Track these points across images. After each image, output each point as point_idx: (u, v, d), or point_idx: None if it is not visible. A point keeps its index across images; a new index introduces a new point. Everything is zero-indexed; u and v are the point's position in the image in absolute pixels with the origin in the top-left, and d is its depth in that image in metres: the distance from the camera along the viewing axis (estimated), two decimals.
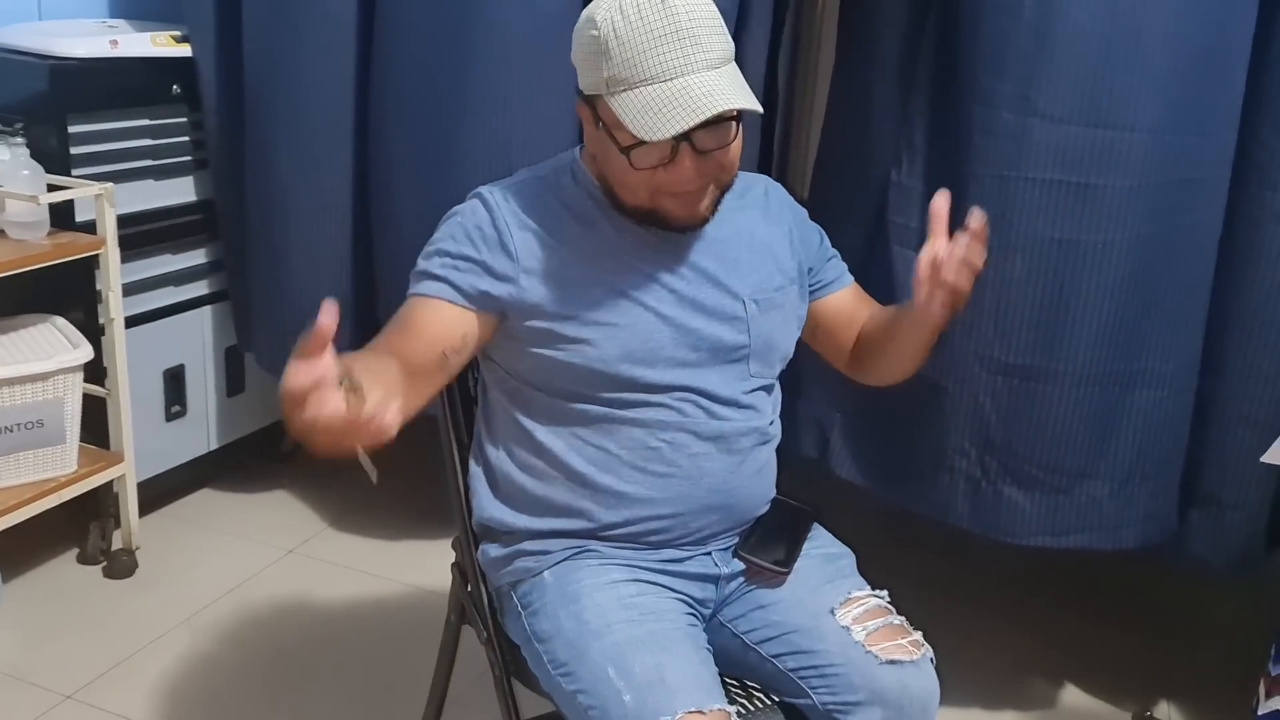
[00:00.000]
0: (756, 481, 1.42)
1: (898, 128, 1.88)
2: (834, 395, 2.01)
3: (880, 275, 1.89)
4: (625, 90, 1.22)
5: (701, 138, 1.24)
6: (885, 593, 1.42)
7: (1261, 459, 1.42)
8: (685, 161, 1.25)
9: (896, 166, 1.89)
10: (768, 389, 1.44)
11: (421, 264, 1.35)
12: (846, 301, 1.53)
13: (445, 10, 2.00)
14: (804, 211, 1.52)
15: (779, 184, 1.52)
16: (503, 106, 1.99)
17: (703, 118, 1.19)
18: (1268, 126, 1.74)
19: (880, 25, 1.89)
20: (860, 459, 2.00)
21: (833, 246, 1.54)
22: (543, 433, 1.36)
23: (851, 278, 1.55)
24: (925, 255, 1.32)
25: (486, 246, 1.31)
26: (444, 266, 1.32)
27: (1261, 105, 1.74)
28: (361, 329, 2.34)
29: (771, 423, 1.44)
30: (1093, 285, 1.76)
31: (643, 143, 1.22)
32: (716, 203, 1.33)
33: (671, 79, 1.21)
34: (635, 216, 1.33)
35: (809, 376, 1.99)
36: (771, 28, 2.01)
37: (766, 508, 1.45)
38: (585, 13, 1.27)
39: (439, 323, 1.31)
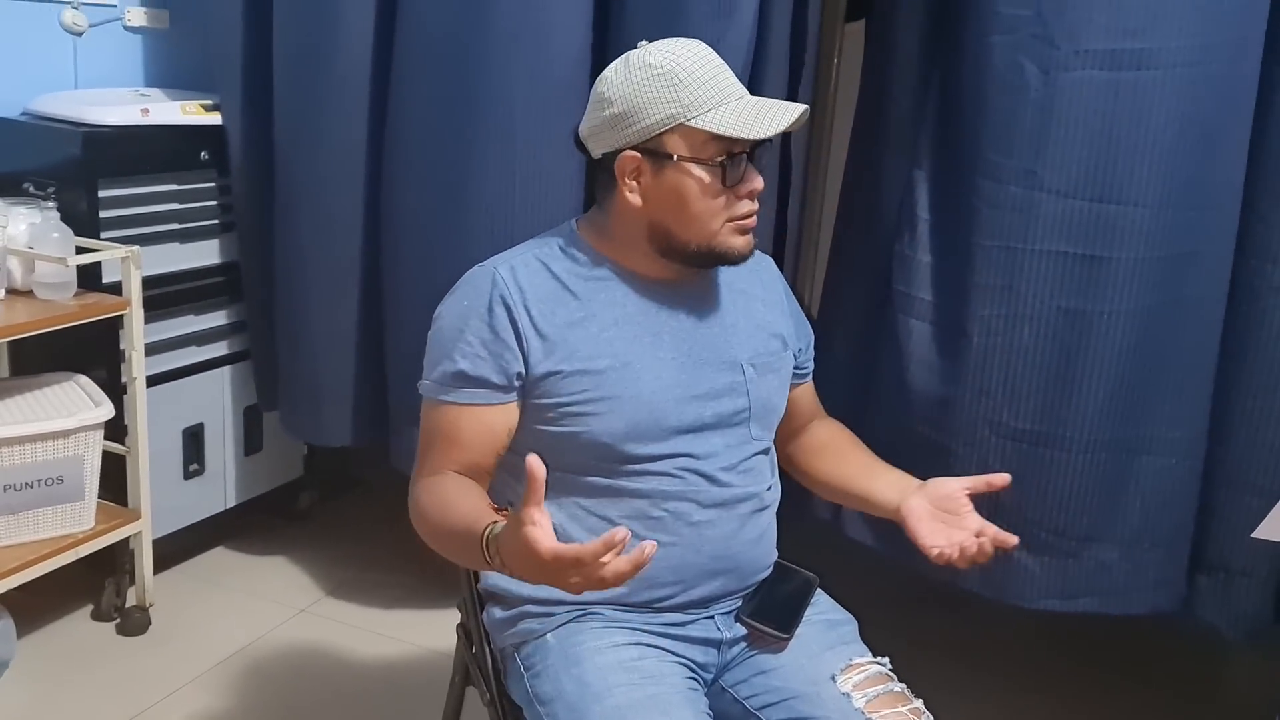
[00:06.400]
0: (757, 546, 1.42)
1: (902, 199, 1.93)
2: None
3: (888, 343, 1.93)
4: (712, 109, 1.28)
5: (758, 155, 1.32)
6: (887, 660, 1.42)
7: (1252, 535, 1.41)
8: (754, 173, 1.32)
9: (900, 237, 1.93)
10: (765, 451, 1.45)
11: (444, 363, 1.32)
12: (807, 392, 1.59)
13: (453, 78, 2.05)
14: (788, 288, 1.56)
15: (769, 257, 1.56)
16: (509, 174, 2.03)
17: (796, 115, 1.29)
18: (1267, 200, 1.76)
19: (886, 101, 1.95)
20: (871, 521, 2.00)
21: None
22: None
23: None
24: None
25: (504, 326, 1.31)
26: (474, 365, 1.31)
27: (1261, 179, 1.77)
28: (371, 394, 2.38)
29: (770, 488, 1.45)
30: (1099, 354, 1.78)
31: (735, 156, 1.29)
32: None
33: (742, 96, 1.31)
34: (696, 260, 1.34)
35: None
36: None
37: (768, 571, 1.46)
38: (623, 64, 1.31)
39: (488, 431, 1.33)
